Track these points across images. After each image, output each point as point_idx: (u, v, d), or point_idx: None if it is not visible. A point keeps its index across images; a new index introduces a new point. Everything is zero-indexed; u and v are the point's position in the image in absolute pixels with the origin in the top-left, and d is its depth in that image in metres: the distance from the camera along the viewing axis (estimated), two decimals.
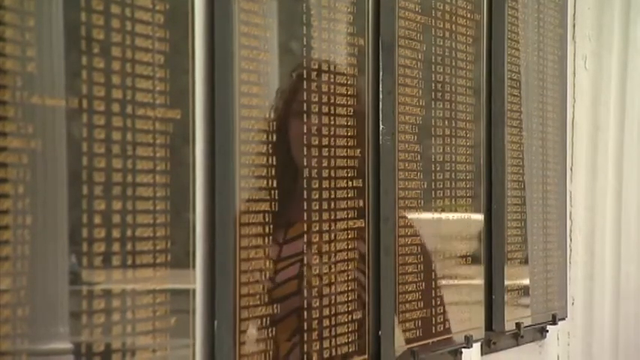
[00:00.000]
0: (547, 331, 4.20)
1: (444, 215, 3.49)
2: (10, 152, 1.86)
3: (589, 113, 4.32)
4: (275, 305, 2.57)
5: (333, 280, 2.84)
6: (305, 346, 2.70)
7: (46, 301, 1.95)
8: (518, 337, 3.95)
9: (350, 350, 2.87)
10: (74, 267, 2.02)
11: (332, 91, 2.84)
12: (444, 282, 3.50)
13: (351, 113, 2.92)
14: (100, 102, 2.06)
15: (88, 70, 2.04)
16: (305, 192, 2.72)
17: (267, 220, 2.56)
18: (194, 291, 2.32)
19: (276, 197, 2.61)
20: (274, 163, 2.59)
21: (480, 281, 3.71)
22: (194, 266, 2.32)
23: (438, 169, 3.42)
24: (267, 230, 2.55)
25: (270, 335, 2.55)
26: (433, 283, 3.43)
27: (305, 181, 2.73)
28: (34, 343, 1.91)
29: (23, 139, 1.88)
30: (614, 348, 4.17)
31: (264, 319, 2.53)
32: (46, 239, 1.94)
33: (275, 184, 2.60)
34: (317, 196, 2.77)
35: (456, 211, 3.56)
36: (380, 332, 3.04)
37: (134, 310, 2.14)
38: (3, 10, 1.85)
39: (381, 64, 3.06)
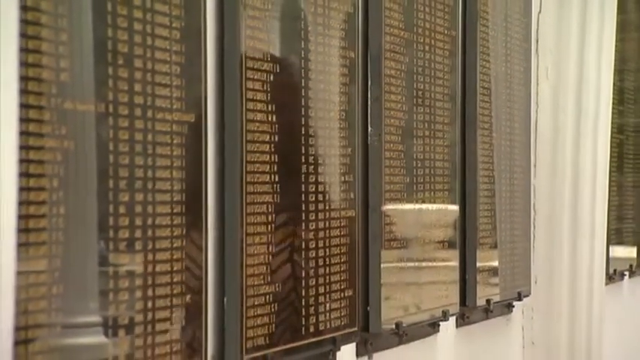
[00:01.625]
0: (513, 306, 4.19)
1: (424, 206, 3.48)
2: (46, 151, 1.85)
3: (550, 117, 4.32)
4: (276, 284, 2.56)
5: (327, 263, 2.83)
6: (303, 319, 2.69)
7: (78, 280, 1.94)
8: (488, 312, 3.94)
9: (342, 323, 2.86)
10: (102, 251, 2.01)
11: (326, 97, 2.84)
12: (424, 264, 3.50)
13: (344, 117, 2.91)
14: (124, 107, 2.05)
15: (114, 79, 2.03)
16: (303, 185, 2.72)
17: (269, 210, 2.55)
18: (206, 272, 2.31)
19: (278, 190, 2.60)
20: (276, 160, 2.58)
21: (455, 263, 3.71)
22: (206, 250, 2.31)
23: (419, 165, 3.41)
24: (269, 219, 2.55)
25: (272, 310, 2.54)
26: (415, 265, 3.43)
27: (303, 176, 2.72)
28: (68, 317, 1.90)
29: (57, 140, 1.87)
30: (570, 320, 4.17)
31: (267, 296, 2.52)
32: (77, 226, 1.93)
33: (277, 179, 2.59)
34: (313, 189, 2.76)
35: (434, 202, 3.55)
36: (368, 308, 3.04)
37: (154, 289, 2.13)
38: (40, 26, 1.84)
39: (369, 73, 3.05)
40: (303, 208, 2.72)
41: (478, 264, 3.83)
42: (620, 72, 5.15)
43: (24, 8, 1.77)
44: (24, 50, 1.76)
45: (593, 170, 4.28)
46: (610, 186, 4.59)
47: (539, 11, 4.29)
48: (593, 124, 4.29)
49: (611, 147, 4.54)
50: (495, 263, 4.02)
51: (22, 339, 1.78)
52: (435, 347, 3.56)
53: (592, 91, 4.29)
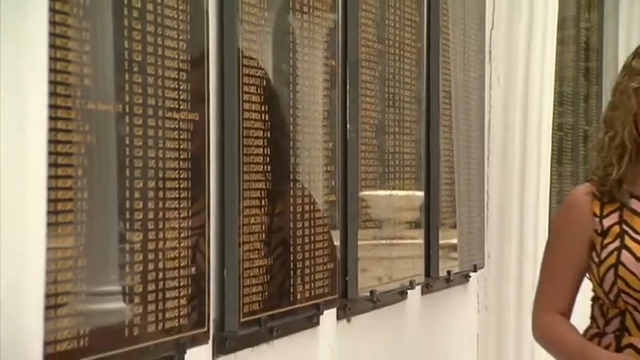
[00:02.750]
0: (470, 276, 4.20)
1: (394, 192, 3.48)
2: (72, 144, 1.85)
3: (501, 117, 4.31)
4: (268, 258, 2.56)
5: (312, 240, 2.83)
6: (291, 288, 2.69)
7: (99, 255, 1.94)
8: (448, 281, 3.94)
9: (325, 291, 2.86)
10: (120, 230, 2.01)
11: (311, 99, 2.83)
12: (395, 241, 3.50)
13: (326, 116, 2.91)
14: (138, 107, 2.05)
15: (130, 83, 2.02)
16: (291, 174, 2.71)
17: (262, 195, 2.55)
18: (209, 247, 2.30)
19: (270, 178, 2.60)
20: (268, 153, 2.58)
21: (420, 241, 3.71)
22: (209, 229, 2.31)
23: (390, 158, 3.41)
24: (262, 203, 2.54)
25: (264, 280, 2.54)
26: (387, 242, 3.43)
27: (291, 166, 2.72)
28: (91, 286, 1.90)
29: (82, 135, 1.87)
30: (517, 288, 4.17)
31: (260, 269, 2.52)
32: (98, 209, 1.93)
33: (269, 169, 2.58)
34: (300, 177, 2.76)
35: (403, 189, 3.55)
36: (347, 278, 3.04)
37: (164, 262, 2.13)
38: (66, 39, 1.83)
39: (348, 79, 3.05)
40: (292, 194, 2.72)
41: (440, 241, 3.83)
42: (559, 79, 5.15)
43: (53, 23, 1.76)
44: (53, 59, 1.75)
45: (537, 162, 4.28)
46: (551, 175, 4.59)
47: (492, 27, 4.28)
48: (537, 122, 4.29)
49: (552, 142, 4.54)
50: (455, 240, 4.02)
51: (52, 304, 1.78)
52: (404, 312, 3.56)
53: (536, 95, 4.29)
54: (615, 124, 2.62)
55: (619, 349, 2.59)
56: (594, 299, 2.68)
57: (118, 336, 1.98)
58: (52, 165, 1.72)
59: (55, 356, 1.78)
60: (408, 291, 3.55)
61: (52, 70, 1.74)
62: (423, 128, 3.70)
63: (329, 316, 2.93)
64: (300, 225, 2.77)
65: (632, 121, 2.58)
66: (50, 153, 1.68)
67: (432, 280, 3.79)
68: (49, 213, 1.61)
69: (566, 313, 2.73)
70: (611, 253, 2.59)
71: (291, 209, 2.72)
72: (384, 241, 3.40)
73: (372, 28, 3.24)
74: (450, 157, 3.98)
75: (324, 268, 2.89)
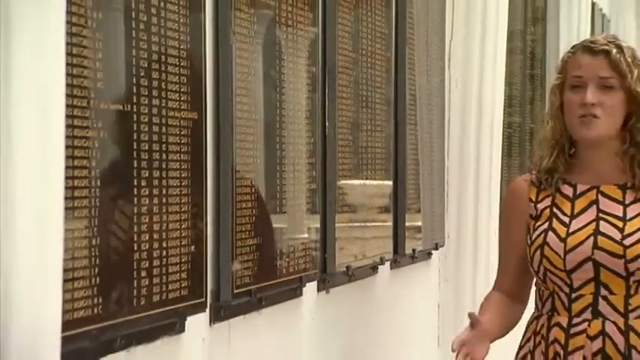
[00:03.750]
0: (432, 254, 4.20)
1: (367, 181, 3.48)
2: (88, 139, 1.84)
3: (458, 117, 4.32)
4: (258, 237, 2.55)
5: (296, 221, 2.84)
6: (277, 263, 2.69)
7: (111, 234, 1.94)
8: (413, 258, 3.94)
9: (307, 266, 2.87)
10: (129, 213, 2.00)
11: (296, 101, 2.83)
12: (368, 224, 3.50)
13: (308, 115, 2.91)
14: (144, 107, 2.04)
15: (137, 86, 2.02)
16: (278, 166, 2.71)
17: (253, 184, 2.55)
18: (206, 228, 2.30)
19: (260, 169, 2.60)
20: (258, 147, 2.58)
21: (390, 223, 3.71)
22: (206, 213, 2.30)
23: (363, 151, 3.42)
24: (252, 190, 2.54)
25: (254, 257, 2.54)
26: (361, 224, 3.43)
27: (278, 159, 2.71)
28: (103, 262, 1.90)
29: (95, 131, 1.86)
30: (473, 263, 4.18)
31: (251, 247, 2.52)
32: (109, 196, 1.92)
33: (259, 161, 2.58)
34: (286, 168, 2.75)
35: (375, 179, 3.56)
36: (326, 255, 3.04)
37: (167, 241, 2.12)
38: (82, 47, 1.83)
39: (327, 83, 3.05)
40: (278, 182, 2.72)
41: (406, 223, 3.83)
42: (508, 84, 5.16)
43: (70, 34, 1.75)
44: (69, 65, 1.74)
45: (489, 155, 4.29)
46: (502, 167, 4.60)
47: (451, 39, 4.28)
48: (490, 121, 4.29)
49: (502, 138, 4.55)
50: (419, 223, 4.03)
51: (70, 277, 1.77)
52: (375, 284, 3.56)
53: (489, 97, 4.29)
54: (546, 119, 2.58)
55: (549, 329, 2.47)
56: (536, 283, 2.59)
57: (128, 305, 1.98)
58: (69, 157, 1.71)
59: (73, 322, 1.77)
60: (379, 266, 3.55)
61: (69, 75, 1.73)
62: (392, 126, 3.70)
63: (310, 288, 2.93)
64: (286, 209, 2.77)
65: (559, 115, 2.52)
66: (67, 147, 1.67)
67: (400, 257, 3.79)
68: (66, 198, 1.60)
69: (512, 293, 2.63)
70: (540, 234, 2.49)
71: (278, 196, 2.72)
72: (358, 224, 3.41)
73: (348, 40, 3.24)
74: (415, 152, 3.99)
75: (306, 246, 2.90)
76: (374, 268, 3.51)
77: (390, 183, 3.72)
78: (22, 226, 1.44)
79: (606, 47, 2.46)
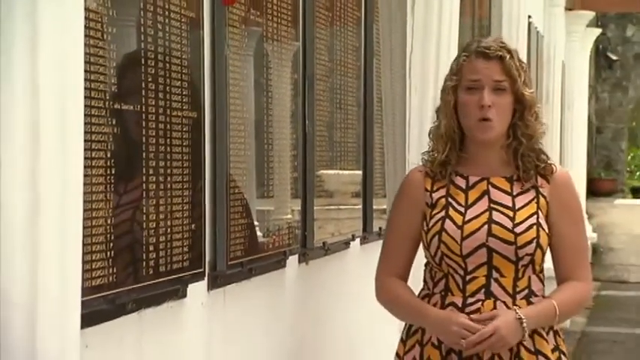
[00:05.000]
0: None
1: (341, 171, 3.49)
2: (103, 134, 1.83)
3: (417, 117, 4.30)
4: (248, 218, 2.55)
5: (280, 205, 2.83)
6: (265, 239, 2.69)
7: (123, 215, 1.93)
8: (380, 235, 3.93)
9: (289, 242, 2.87)
10: (139, 197, 2.00)
11: (281, 103, 2.83)
12: (341, 207, 3.51)
13: (291, 115, 2.91)
14: (152, 107, 2.03)
15: (146, 90, 2.01)
16: (265, 157, 2.71)
17: (244, 173, 2.55)
18: (204, 210, 2.30)
19: (251, 161, 2.59)
20: (249, 142, 2.57)
21: (360, 206, 3.73)
22: (204, 198, 2.30)
23: (337, 146, 3.42)
24: (244, 178, 2.54)
25: (246, 235, 2.53)
26: (336, 207, 3.44)
27: (266, 152, 2.71)
28: (117, 238, 1.89)
29: (109, 127, 1.85)
30: None
31: (242, 226, 2.51)
32: (121, 182, 1.92)
33: (249, 154, 2.58)
34: (272, 160, 2.75)
35: (347, 169, 3.56)
36: (306, 232, 3.04)
37: (172, 220, 2.12)
38: (99, 57, 1.82)
39: (307, 89, 3.04)
40: (266, 172, 2.71)
41: (374, 207, 3.84)
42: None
43: (88, 45, 1.74)
44: (88, 72, 1.74)
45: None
46: None
47: (411, 51, 4.27)
48: None
49: None
50: (384, 206, 4.01)
51: (89, 251, 1.76)
52: (348, 256, 3.57)
53: (431, 101, 4.31)
54: (439, 116, 2.41)
55: (443, 307, 2.33)
56: (425, 264, 2.44)
57: (138, 274, 1.97)
58: (87, 149, 1.70)
59: (92, 289, 1.77)
60: (351, 242, 3.56)
61: (87, 80, 1.72)
62: (361, 125, 3.71)
63: (292, 260, 2.94)
64: (272, 194, 2.77)
65: (453, 114, 2.36)
66: (86, 140, 1.67)
67: (368, 234, 3.80)
68: (85, 184, 1.59)
69: (404, 277, 2.46)
70: (437, 221, 2.34)
71: (265, 183, 2.72)
72: (333, 207, 3.41)
73: (325, 52, 3.24)
74: (381, 146, 3.98)
75: (289, 225, 2.90)
76: (346, 244, 3.52)
77: (360, 172, 3.72)
78: (47, 208, 1.43)
79: (500, 53, 2.33)
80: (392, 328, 4.24)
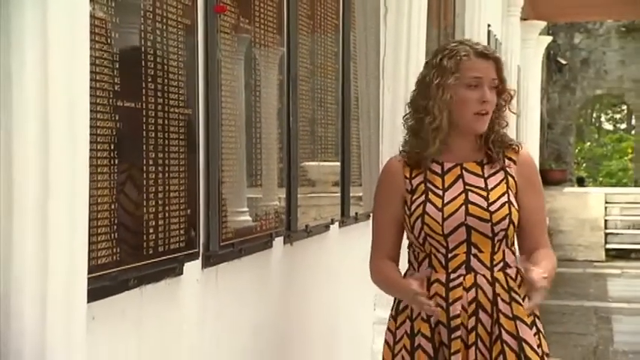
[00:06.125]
0: (370, 216, 4.14)
1: (322, 163, 3.48)
2: (107, 129, 1.81)
3: (390, 114, 4.31)
4: (239, 204, 2.54)
5: (267, 193, 2.82)
6: (253, 223, 2.67)
7: (126, 200, 1.91)
8: (357, 219, 3.95)
9: (275, 225, 2.86)
10: (140, 185, 1.98)
11: (268, 101, 2.81)
12: (322, 194, 3.50)
13: (278, 112, 2.89)
14: (152, 104, 2.01)
15: (146, 89, 1.99)
16: (253, 150, 2.69)
17: (234, 164, 2.53)
18: (199, 197, 2.28)
19: (241, 154, 2.58)
20: (239, 136, 2.56)
21: (339, 194, 3.72)
22: (199, 185, 2.28)
23: (318, 140, 3.41)
24: (235, 169, 2.52)
25: (238, 218, 2.52)
26: (318, 195, 3.43)
27: (254, 146, 2.70)
28: (120, 221, 1.87)
29: (113, 122, 1.83)
30: None
31: (233, 211, 2.50)
32: (123, 171, 1.90)
33: (239, 147, 2.56)
34: (260, 152, 2.74)
35: (327, 160, 3.55)
36: (290, 217, 3.03)
37: (170, 206, 2.10)
38: (103, 59, 1.80)
39: (291, 89, 3.03)
40: (255, 163, 2.70)
41: (351, 194, 3.83)
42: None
43: (93, 48, 1.72)
44: (93, 72, 1.72)
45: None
46: None
47: (384, 55, 4.28)
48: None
49: None
50: (360, 194, 4.03)
51: (94, 233, 1.75)
52: (327, 239, 3.57)
53: (402, 99, 4.31)
54: (432, 111, 2.32)
55: (429, 284, 2.31)
56: (409, 246, 2.42)
57: (139, 253, 1.96)
58: (92, 142, 1.67)
59: (97, 266, 1.75)
60: (330, 225, 3.55)
61: (93, 80, 1.70)
62: (340, 121, 3.70)
63: (278, 241, 2.92)
64: (260, 183, 2.76)
65: (448, 110, 2.32)
66: (92, 134, 1.64)
67: (346, 219, 3.79)
68: (91, 173, 1.58)
69: (394, 258, 2.45)
70: (419, 205, 2.32)
71: (254, 173, 2.70)
72: (315, 194, 3.40)
73: (307, 56, 3.22)
74: (358, 141, 3.98)
75: (276, 210, 2.89)
76: (327, 227, 3.51)
77: (339, 164, 3.72)
78: (57, 195, 1.42)
79: (497, 55, 2.40)
80: (368, 301, 4.26)
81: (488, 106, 2.34)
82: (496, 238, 2.32)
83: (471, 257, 2.30)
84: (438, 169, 2.38)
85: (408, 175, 2.39)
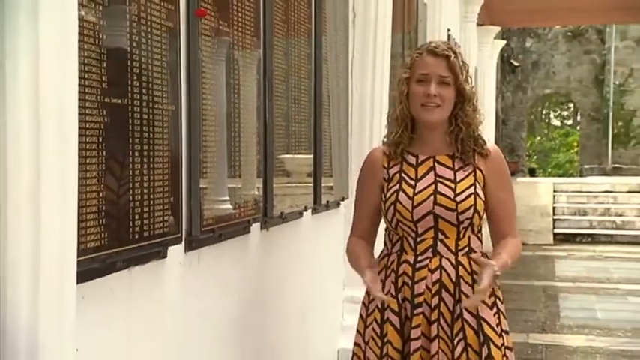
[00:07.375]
0: (340, 204, 4.21)
1: (296, 155, 3.47)
2: (95, 123, 1.79)
3: (358, 111, 4.33)
4: (219, 192, 2.53)
5: (244, 183, 2.81)
6: (233, 210, 2.66)
7: (113, 188, 1.89)
8: (328, 207, 3.95)
9: (253, 212, 2.85)
10: (126, 175, 1.96)
11: (247, 98, 2.80)
12: (297, 185, 3.49)
13: (255, 108, 2.88)
14: (137, 101, 1.99)
15: (131, 87, 1.97)
16: (232, 143, 2.68)
17: (214, 156, 2.51)
18: (181, 186, 2.26)
19: (220, 146, 2.56)
20: (218, 130, 2.54)
21: (311, 184, 3.71)
22: (181, 174, 2.26)
23: (292, 135, 3.39)
24: (214, 160, 2.51)
25: (216, 206, 2.51)
26: (293, 185, 3.42)
27: (233, 139, 2.68)
28: (108, 208, 1.85)
29: (101, 117, 1.81)
30: None
31: (213, 197, 2.49)
32: (111, 162, 1.88)
33: (218, 139, 2.55)
34: (239, 145, 2.73)
35: (301, 153, 3.54)
36: (266, 204, 3.03)
37: (154, 189, 2.09)
38: (91, 59, 1.77)
39: (267, 87, 3.02)
40: (234, 156, 2.69)
41: (322, 184, 3.83)
42: (391, 89, 5.18)
43: (82, 49, 1.70)
44: (82, 70, 1.70)
45: (377, 135, 4.30)
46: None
47: (353, 57, 4.29)
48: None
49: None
50: (331, 183, 4.03)
51: (83, 219, 1.73)
52: (301, 225, 3.57)
53: (378, 98, 4.31)
54: (395, 103, 2.42)
55: (399, 264, 2.36)
56: (385, 229, 2.45)
57: (126, 237, 1.94)
58: (81, 135, 1.66)
59: (86, 250, 1.74)
60: (304, 212, 3.55)
61: (82, 78, 1.68)
62: (312, 117, 3.69)
63: (256, 227, 2.92)
64: (239, 174, 2.75)
65: (406, 101, 2.37)
66: (81, 128, 1.64)
67: (318, 206, 3.79)
68: (80, 164, 1.57)
69: (367, 238, 2.48)
70: (393, 193, 2.36)
71: (234, 165, 2.69)
72: (290, 184, 3.40)
73: (282, 58, 3.21)
74: (329, 134, 3.98)
75: (254, 199, 2.88)
76: (300, 214, 3.51)
77: (312, 156, 3.71)
78: (49, 185, 1.41)
79: (446, 52, 2.36)
80: (338, 280, 4.26)
81: (435, 100, 2.33)
82: (461, 226, 2.33)
83: (438, 242, 2.33)
84: (412, 160, 2.40)
85: (386, 165, 2.42)
